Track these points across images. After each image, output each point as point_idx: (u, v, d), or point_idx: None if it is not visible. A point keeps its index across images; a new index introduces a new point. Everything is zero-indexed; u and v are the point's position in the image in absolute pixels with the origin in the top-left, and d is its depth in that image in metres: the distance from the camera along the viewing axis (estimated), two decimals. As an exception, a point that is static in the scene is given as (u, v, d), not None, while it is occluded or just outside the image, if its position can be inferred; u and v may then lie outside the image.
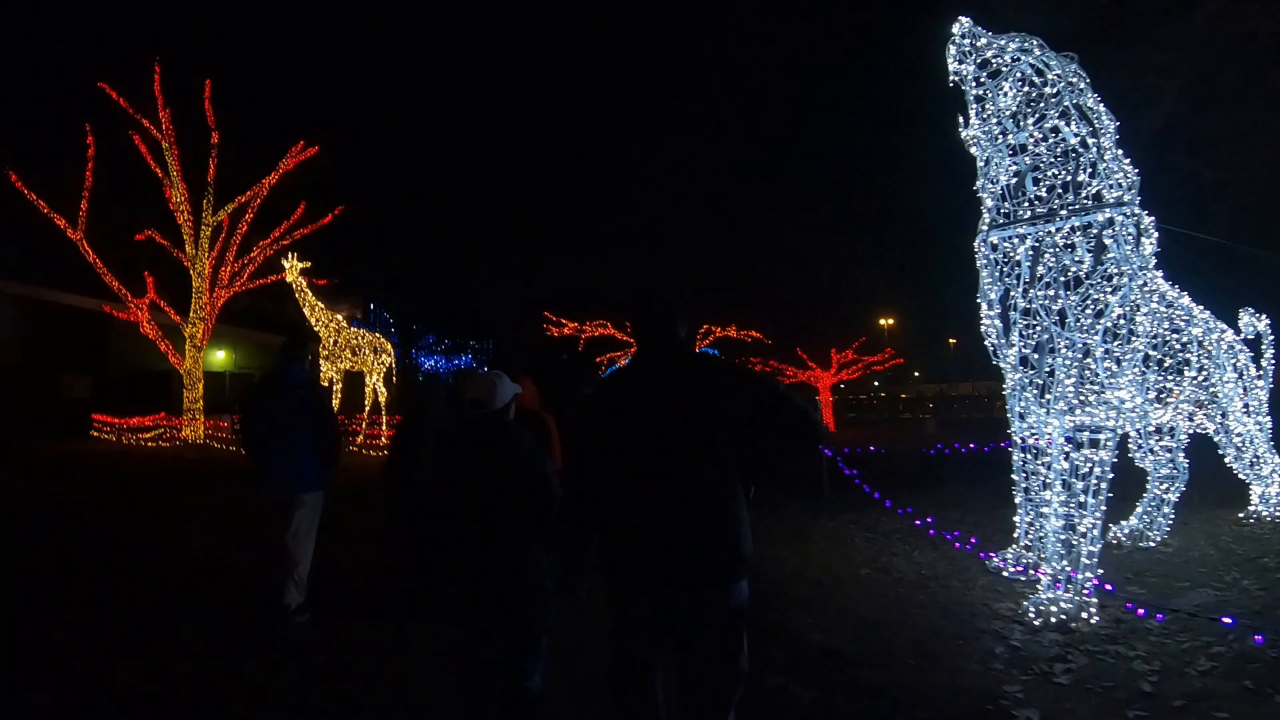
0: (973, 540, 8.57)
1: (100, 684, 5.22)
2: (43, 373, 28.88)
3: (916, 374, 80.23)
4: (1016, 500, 7.70)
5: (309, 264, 21.74)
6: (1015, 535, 7.79)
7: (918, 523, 9.44)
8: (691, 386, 3.31)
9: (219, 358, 35.25)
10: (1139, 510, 9.13)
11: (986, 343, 7.33)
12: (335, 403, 21.60)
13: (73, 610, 6.84)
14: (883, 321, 62.80)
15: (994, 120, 7.05)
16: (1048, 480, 6.92)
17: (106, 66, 23.81)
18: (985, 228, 7.19)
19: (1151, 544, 8.73)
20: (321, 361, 21.56)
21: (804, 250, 40.42)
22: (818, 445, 3.54)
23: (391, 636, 6.08)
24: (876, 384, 65.70)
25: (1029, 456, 7.45)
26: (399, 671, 5.41)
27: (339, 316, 22.08)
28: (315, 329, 21.64)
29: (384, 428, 22.89)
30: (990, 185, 7.17)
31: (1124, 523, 9.02)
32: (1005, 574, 7.55)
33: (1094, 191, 6.70)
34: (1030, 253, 6.81)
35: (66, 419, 24.99)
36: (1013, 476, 7.66)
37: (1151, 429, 8.90)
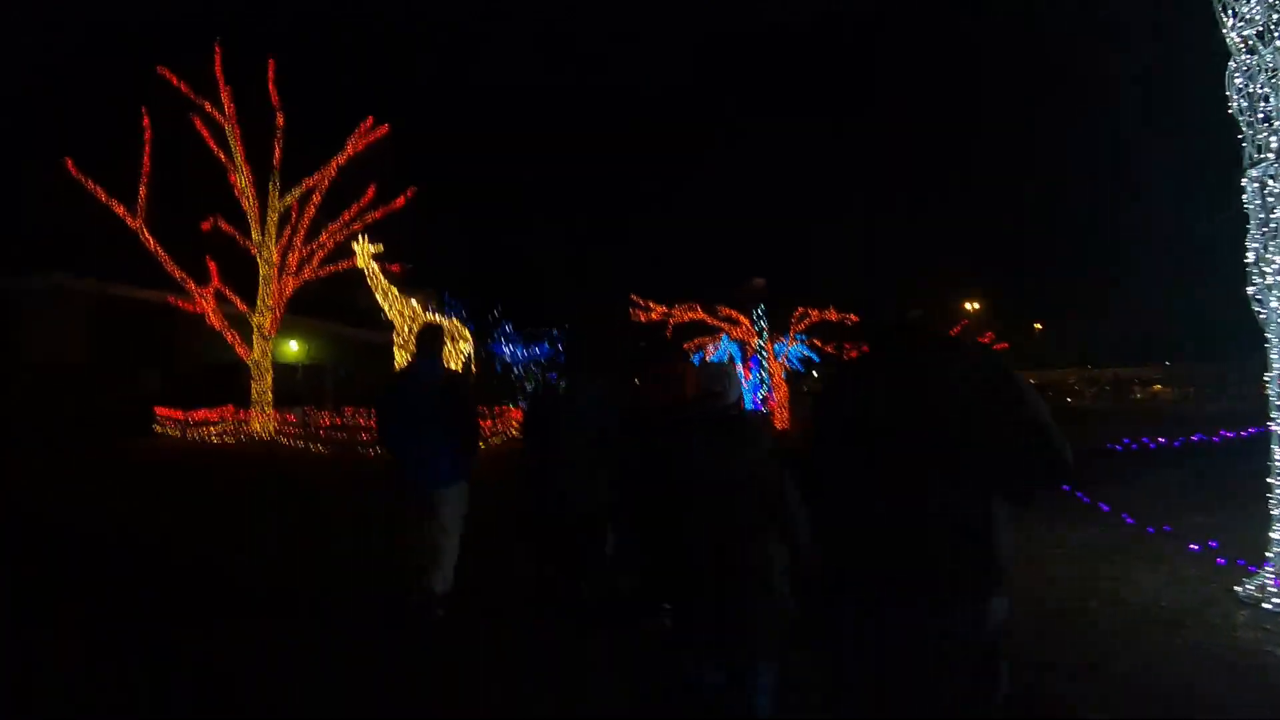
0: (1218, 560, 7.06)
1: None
2: (111, 368, 28.41)
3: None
4: (1275, 512, 6.12)
5: (380, 248, 20.58)
6: (1270, 555, 6.20)
7: (1194, 547, 7.81)
8: (938, 374, 2.90)
9: (291, 349, 34.68)
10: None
11: (1259, 308, 5.75)
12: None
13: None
14: (968, 305, 60.82)
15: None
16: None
17: (164, 48, 22.79)
18: (1270, 158, 5.51)
19: None
20: (396, 349, 20.49)
21: (891, 230, 38.63)
22: (1058, 484, 2.98)
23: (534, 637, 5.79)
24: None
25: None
26: (552, 674, 5.16)
27: (414, 302, 20.89)
28: (389, 316, 20.59)
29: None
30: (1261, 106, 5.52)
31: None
32: (1266, 606, 5.97)
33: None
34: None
35: (135, 415, 24.10)
36: (1269, 481, 6.14)
37: None
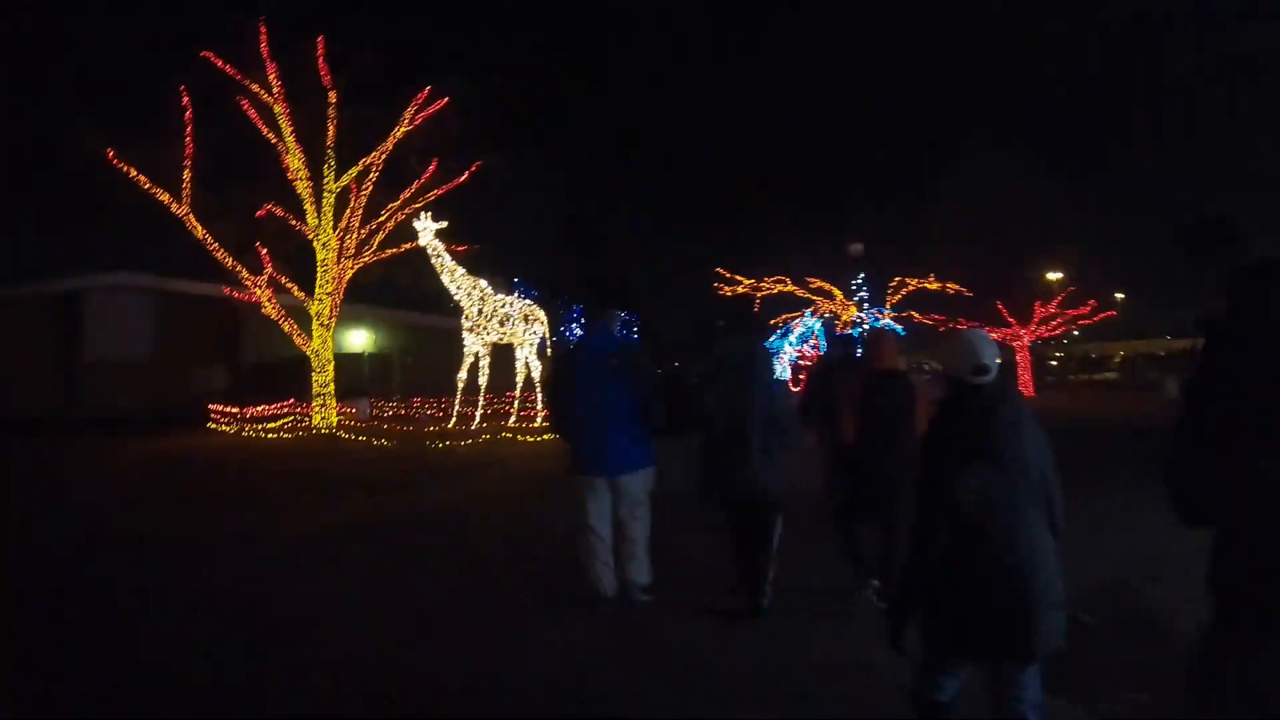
0: None
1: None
2: (174, 364, 28.26)
3: (1075, 332, 75.07)
4: None
5: (445, 224, 18.95)
6: None
7: None
8: None
9: (358, 340, 33.77)
10: None
11: None
12: (484, 380, 19.08)
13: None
14: (1050, 275, 57.82)
15: None
16: None
17: (206, 27, 21.16)
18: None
19: None
20: (464, 334, 18.85)
21: (981, 200, 36.19)
22: None
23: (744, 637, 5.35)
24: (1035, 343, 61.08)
25: None
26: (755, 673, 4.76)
27: (482, 283, 19.20)
28: (456, 297, 18.94)
29: (539, 406, 20.09)
30: None
31: None
32: None
33: None
34: None
35: (195, 411, 23.10)
36: None
37: None
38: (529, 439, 17.56)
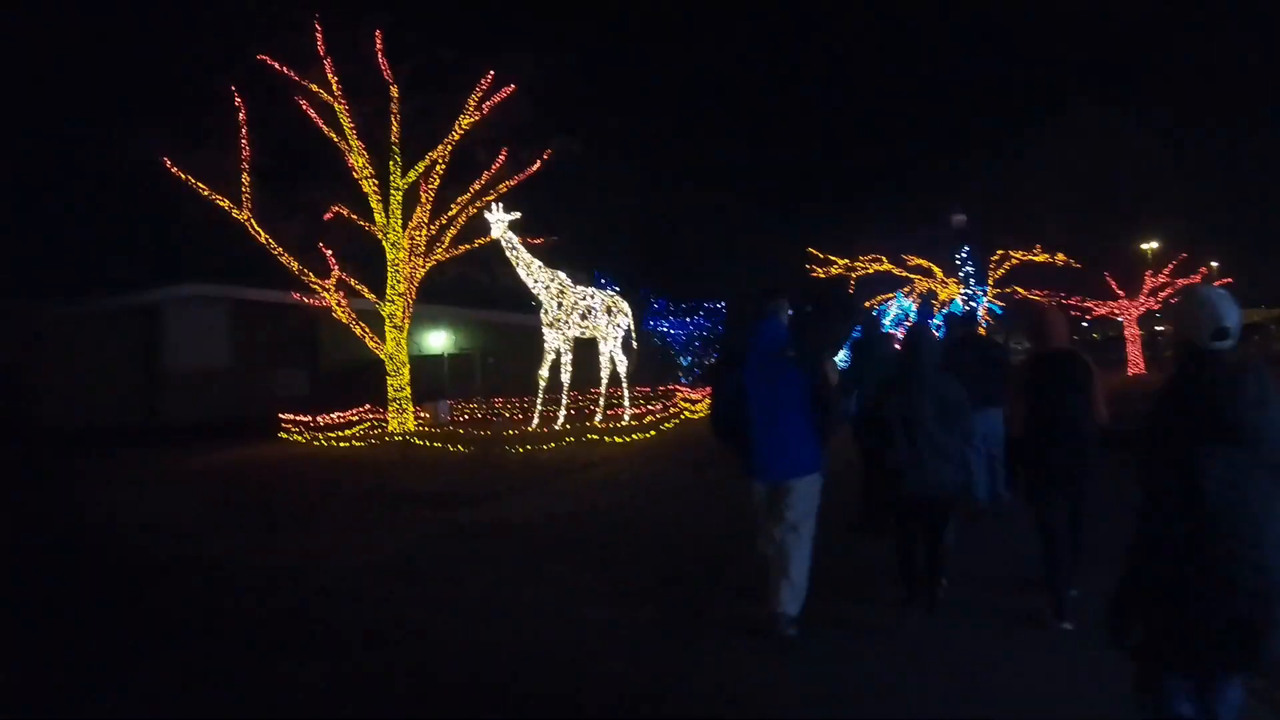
0: None
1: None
2: (253, 372, 28.33)
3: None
4: None
5: (517, 215, 18.05)
6: None
7: None
8: None
9: (437, 341, 33.30)
10: None
11: None
12: (566, 377, 18.16)
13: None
14: (1144, 246, 55.41)
15: None
16: None
17: (261, 26, 20.55)
18: None
19: None
20: (545, 329, 17.94)
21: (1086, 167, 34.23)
22: None
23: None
24: (1086, 323, 57.74)
25: None
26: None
27: (561, 275, 18.27)
28: (534, 292, 18.05)
29: (626, 403, 19.16)
30: None
31: None
32: None
33: None
34: None
35: (272, 420, 22.88)
36: None
37: None
38: (616, 439, 16.69)
